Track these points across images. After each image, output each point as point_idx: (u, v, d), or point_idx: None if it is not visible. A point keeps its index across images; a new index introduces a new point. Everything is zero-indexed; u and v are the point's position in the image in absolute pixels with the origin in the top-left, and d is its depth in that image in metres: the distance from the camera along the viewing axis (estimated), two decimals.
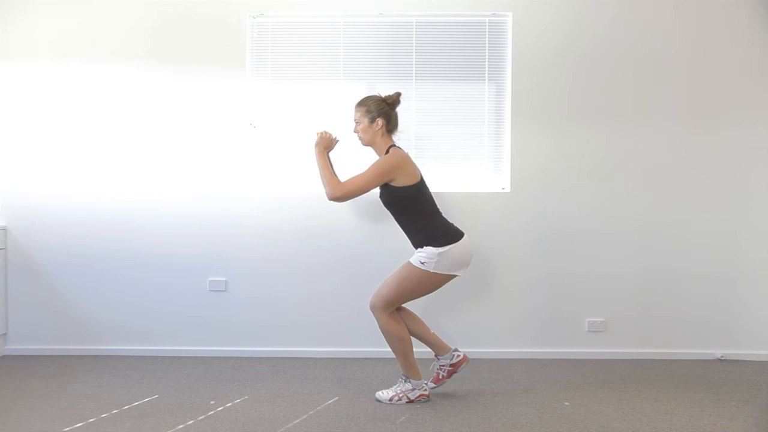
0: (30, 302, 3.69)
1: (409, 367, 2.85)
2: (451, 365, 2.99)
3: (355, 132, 2.97)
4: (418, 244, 2.85)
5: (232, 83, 3.67)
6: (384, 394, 2.87)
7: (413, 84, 3.67)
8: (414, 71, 3.68)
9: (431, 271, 2.77)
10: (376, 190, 2.89)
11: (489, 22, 3.70)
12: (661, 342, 3.66)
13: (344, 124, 3.64)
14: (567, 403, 2.85)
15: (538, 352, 3.66)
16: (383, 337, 2.85)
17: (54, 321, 3.69)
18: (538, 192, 3.67)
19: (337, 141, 3.02)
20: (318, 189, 3.65)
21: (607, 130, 3.66)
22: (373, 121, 2.89)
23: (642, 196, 3.66)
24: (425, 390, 2.87)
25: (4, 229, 3.68)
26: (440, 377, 2.99)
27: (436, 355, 3.02)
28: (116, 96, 3.68)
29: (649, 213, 3.66)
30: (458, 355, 2.99)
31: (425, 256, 2.78)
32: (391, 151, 2.87)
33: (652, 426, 2.57)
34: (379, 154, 2.92)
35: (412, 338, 2.92)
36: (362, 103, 2.94)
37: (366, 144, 2.96)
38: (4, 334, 3.69)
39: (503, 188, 3.71)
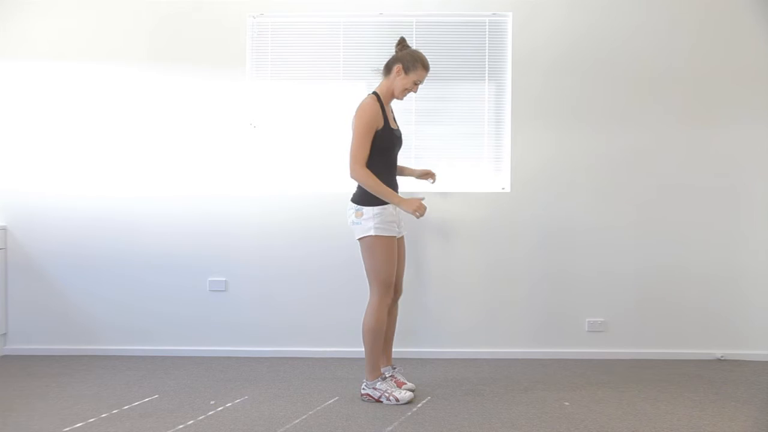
0: (30, 302, 3.69)
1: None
2: (390, 376, 3.00)
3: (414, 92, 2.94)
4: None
5: (232, 83, 3.67)
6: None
7: None
8: None
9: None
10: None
11: (489, 22, 3.70)
12: (661, 342, 3.66)
13: (343, 124, 3.64)
14: (567, 403, 2.85)
15: (538, 352, 3.66)
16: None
17: (54, 321, 3.69)
18: (538, 192, 3.67)
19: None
20: (318, 189, 3.69)
21: (607, 129, 3.66)
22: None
23: (642, 195, 3.66)
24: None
25: (4, 229, 3.68)
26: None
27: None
28: (116, 96, 3.68)
29: (649, 213, 3.66)
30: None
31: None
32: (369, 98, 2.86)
33: (652, 426, 2.57)
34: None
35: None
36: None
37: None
38: (4, 334, 3.69)
39: (503, 188, 3.70)
